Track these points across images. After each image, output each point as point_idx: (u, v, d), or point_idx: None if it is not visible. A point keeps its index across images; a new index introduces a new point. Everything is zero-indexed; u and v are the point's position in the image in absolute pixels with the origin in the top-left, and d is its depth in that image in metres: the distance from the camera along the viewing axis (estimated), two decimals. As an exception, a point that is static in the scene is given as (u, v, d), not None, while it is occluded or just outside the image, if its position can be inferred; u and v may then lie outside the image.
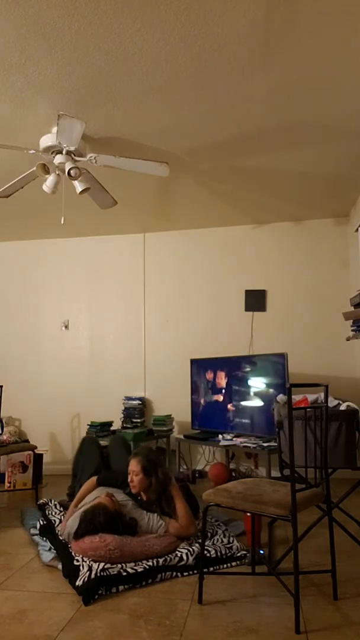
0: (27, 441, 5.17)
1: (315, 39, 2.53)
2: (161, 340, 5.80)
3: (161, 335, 5.81)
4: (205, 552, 2.98)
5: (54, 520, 3.65)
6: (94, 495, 3.46)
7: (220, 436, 4.93)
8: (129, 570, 2.79)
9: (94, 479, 3.71)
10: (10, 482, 4.96)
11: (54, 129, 3.07)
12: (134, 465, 3.36)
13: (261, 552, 3.04)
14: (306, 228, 5.52)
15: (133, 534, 3.08)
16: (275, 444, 4.19)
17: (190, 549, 3.02)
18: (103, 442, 4.75)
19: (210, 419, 5.21)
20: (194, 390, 5.39)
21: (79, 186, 3.33)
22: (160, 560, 2.90)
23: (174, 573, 2.85)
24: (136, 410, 5.54)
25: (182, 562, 2.92)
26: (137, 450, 3.53)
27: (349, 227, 5.29)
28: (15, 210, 5.00)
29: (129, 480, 3.37)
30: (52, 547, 3.17)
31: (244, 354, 5.36)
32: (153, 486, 3.35)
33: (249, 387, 4.83)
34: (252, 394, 4.78)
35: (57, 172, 3.29)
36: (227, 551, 3.05)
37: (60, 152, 3.20)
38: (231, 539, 3.23)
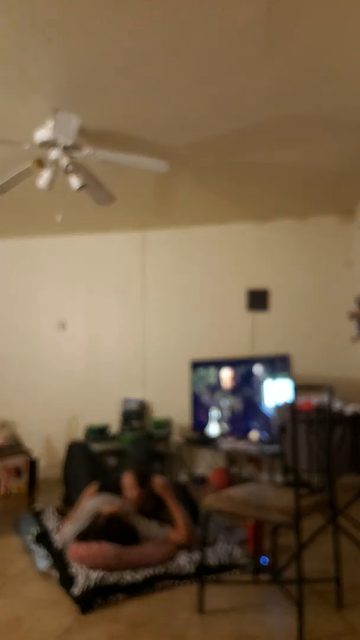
0: (22, 445, 5.12)
1: (319, 31, 2.48)
2: (161, 340, 5.74)
3: (161, 336, 5.74)
4: (206, 559, 2.91)
5: (50, 527, 3.58)
6: (95, 502, 3.39)
7: (221, 439, 4.87)
8: (128, 578, 2.74)
9: (94, 485, 3.66)
10: (5, 488, 4.89)
11: (50, 124, 3.02)
12: (129, 480, 3.30)
13: (264, 559, 2.99)
14: (309, 225, 5.45)
15: (136, 542, 3.03)
16: (278, 448, 4.13)
17: (191, 557, 2.97)
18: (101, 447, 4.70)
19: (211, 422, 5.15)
20: (195, 392, 5.33)
21: (75, 182, 3.28)
22: (160, 569, 2.85)
23: (174, 581, 2.79)
24: (135, 413, 5.48)
25: (183, 570, 2.87)
26: (129, 464, 3.48)
27: (354, 224, 5.23)
28: (9, 207, 4.95)
29: (127, 495, 3.32)
30: (48, 555, 3.11)
31: (246, 354, 5.30)
32: (148, 496, 3.32)
33: (250, 388, 4.78)
34: (254, 395, 4.73)
35: (53, 168, 3.24)
36: (229, 559, 3.00)
37: (56, 147, 3.14)
38: (233, 546, 3.18)
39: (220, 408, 5.04)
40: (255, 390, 4.73)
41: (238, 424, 4.83)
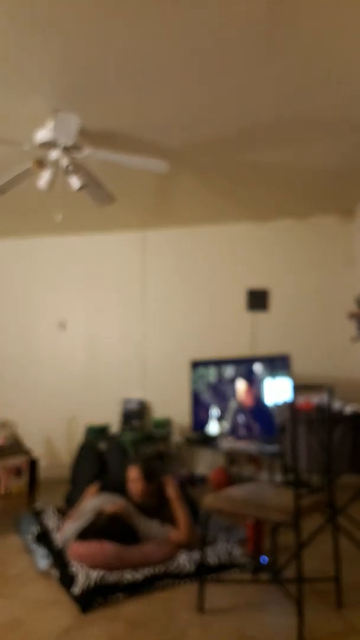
0: (22, 445, 5.11)
1: (319, 31, 2.47)
2: (161, 340, 5.73)
3: (161, 336, 5.73)
4: (206, 559, 2.89)
5: (50, 527, 3.57)
6: (96, 502, 3.38)
7: (221, 439, 4.86)
8: (128, 577, 2.73)
9: (96, 484, 3.65)
10: (5, 488, 4.88)
11: (51, 124, 3.01)
12: (134, 474, 3.29)
13: (264, 558, 2.98)
14: (309, 225, 5.45)
15: (136, 542, 3.02)
16: (278, 448, 4.13)
17: (191, 556, 2.96)
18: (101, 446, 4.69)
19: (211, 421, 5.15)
20: (195, 392, 5.32)
21: (76, 183, 3.27)
22: (160, 568, 2.84)
23: (174, 581, 2.78)
24: (135, 413, 5.47)
25: (183, 570, 2.85)
26: (136, 458, 3.48)
27: (354, 224, 5.23)
28: (9, 207, 4.94)
29: (130, 488, 3.31)
30: (48, 554, 3.10)
31: (246, 354, 5.30)
32: (152, 493, 3.31)
33: (251, 388, 4.77)
34: (254, 395, 4.73)
35: (53, 168, 3.23)
36: (229, 558, 2.99)
37: (56, 147, 3.14)
38: (233, 545, 3.17)
39: (235, 421, 4.95)
40: (255, 390, 4.73)
41: (249, 433, 4.80)
